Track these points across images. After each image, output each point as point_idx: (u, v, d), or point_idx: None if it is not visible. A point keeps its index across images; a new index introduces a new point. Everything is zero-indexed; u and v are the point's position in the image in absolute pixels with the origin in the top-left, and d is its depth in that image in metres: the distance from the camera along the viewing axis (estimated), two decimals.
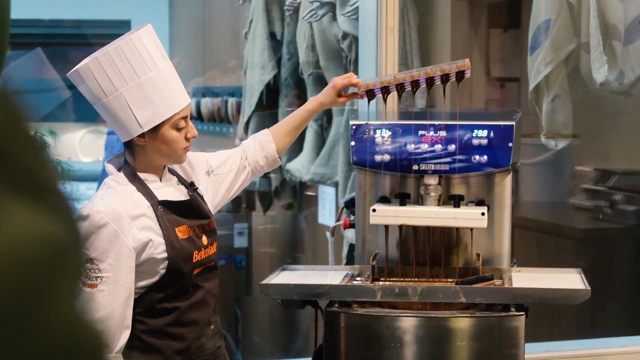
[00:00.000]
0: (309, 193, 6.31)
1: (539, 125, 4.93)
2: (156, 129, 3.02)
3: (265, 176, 6.42)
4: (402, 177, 3.57)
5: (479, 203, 3.52)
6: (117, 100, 3.00)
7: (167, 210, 3.06)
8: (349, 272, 3.56)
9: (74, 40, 9.55)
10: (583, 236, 5.35)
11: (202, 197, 3.22)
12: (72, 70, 3.04)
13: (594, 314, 5.20)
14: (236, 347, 7.06)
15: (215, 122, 7.38)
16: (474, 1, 5.74)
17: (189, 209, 3.13)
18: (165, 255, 3.01)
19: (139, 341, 3.05)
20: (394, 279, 3.50)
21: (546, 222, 5.61)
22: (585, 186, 5.68)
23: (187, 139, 3.08)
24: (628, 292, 5.37)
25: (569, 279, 3.49)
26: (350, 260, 4.97)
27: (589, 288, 3.29)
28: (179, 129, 3.05)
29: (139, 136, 3.03)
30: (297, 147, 5.90)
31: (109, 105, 3.02)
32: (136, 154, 3.08)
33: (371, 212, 3.44)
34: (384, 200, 3.57)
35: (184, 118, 3.06)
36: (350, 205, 3.76)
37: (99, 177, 7.89)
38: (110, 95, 3.00)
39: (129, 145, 3.09)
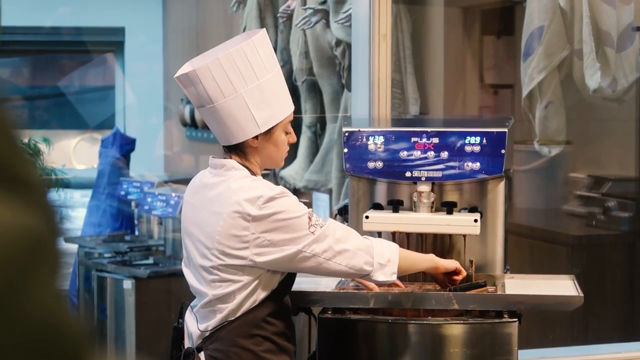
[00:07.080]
0: (303, 200, 6.29)
1: (532, 132, 4.93)
2: (269, 131, 3.04)
3: None
4: (395, 184, 3.57)
5: (472, 210, 3.52)
6: (236, 101, 2.99)
7: None
8: (342, 279, 3.56)
9: (68, 47, 9.54)
10: (576, 243, 5.36)
11: None
12: (186, 72, 3.02)
13: (588, 320, 5.20)
14: None
15: (209, 129, 7.37)
16: (467, 8, 5.75)
17: None
18: None
19: (271, 342, 3.09)
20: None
21: (539, 229, 5.61)
22: (578, 193, 5.68)
23: (288, 144, 3.13)
24: (621, 298, 5.37)
25: (562, 286, 3.49)
26: None
27: (582, 295, 3.29)
28: (287, 133, 3.10)
29: (252, 138, 3.04)
30: (291, 154, 5.89)
31: (226, 106, 3.00)
32: (249, 156, 3.07)
33: (364, 219, 3.45)
34: (377, 207, 3.57)
35: (290, 122, 3.11)
36: (343, 212, 3.76)
37: (93, 184, 7.88)
38: (229, 96, 2.99)
39: (236, 148, 3.07)
